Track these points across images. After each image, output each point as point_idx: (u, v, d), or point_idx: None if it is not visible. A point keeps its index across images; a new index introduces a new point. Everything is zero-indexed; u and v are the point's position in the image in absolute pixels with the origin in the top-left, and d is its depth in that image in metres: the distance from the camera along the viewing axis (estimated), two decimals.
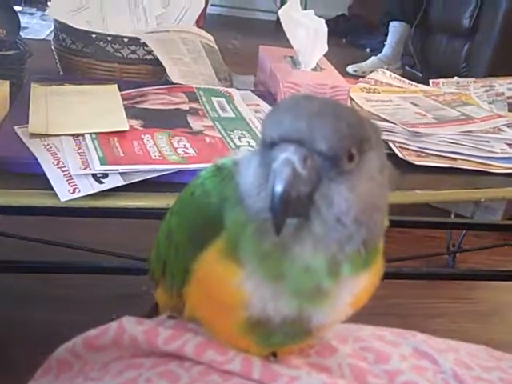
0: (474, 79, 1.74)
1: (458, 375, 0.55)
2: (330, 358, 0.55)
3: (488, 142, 1.21)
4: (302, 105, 0.46)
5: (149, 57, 1.29)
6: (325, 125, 0.44)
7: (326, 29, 1.29)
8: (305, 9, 1.35)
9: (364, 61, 3.69)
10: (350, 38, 4.50)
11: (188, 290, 0.53)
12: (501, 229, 2.17)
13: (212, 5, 4.28)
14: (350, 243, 0.46)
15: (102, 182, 0.87)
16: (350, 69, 3.54)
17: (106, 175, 0.88)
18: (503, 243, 2.09)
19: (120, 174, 0.89)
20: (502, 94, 1.64)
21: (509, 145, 1.21)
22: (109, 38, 1.27)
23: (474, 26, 3.33)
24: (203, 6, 1.41)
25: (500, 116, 1.34)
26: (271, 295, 0.48)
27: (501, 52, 3.24)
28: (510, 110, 1.50)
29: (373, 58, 3.75)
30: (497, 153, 1.18)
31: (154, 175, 0.91)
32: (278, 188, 0.43)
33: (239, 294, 0.48)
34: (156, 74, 1.31)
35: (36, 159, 0.89)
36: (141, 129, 1.03)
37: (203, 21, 1.47)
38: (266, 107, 1.20)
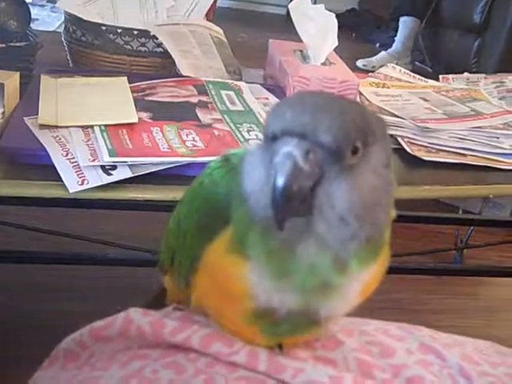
0: (484, 75, 1.73)
1: (465, 370, 0.54)
2: (336, 351, 0.55)
3: (497, 138, 1.21)
4: (306, 99, 0.45)
5: (158, 49, 1.29)
6: (328, 117, 0.43)
7: (336, 23, 1.29)
8: (315, 3, 1.35)
9: (373, 55, 3.67)
10: (360, 32, 4.48)
11: (195, 279, 0.54)
12: (509, 225, 2.16)
13: None
14: (354, 240, 0.45)
15: (110, 174, 0.87)
16: (360, 63, 3.53)
17: (114, 167, 0.89)
18: (511, 240, 2.09)
19: (129, 165, 0.89)
20: None
21: None
22: (119, 31, 1.28)
23: (484, 21, 3.31)
24: None
25: (510, 112, 1.34)
26: (276, 290, 0.48)
27: (511, 48, 3.22)
28: None
29: (382, 52, 3.73)
30: (506, 149, 1.18)
31: (162, 167, 0.91)
32: (280, 182, 0.42)
33: (245, 285, 0.48)
34: (165, 66, 1.31)
35: (45, 150, 0.89)
36: (150, 121, 1.03)
37: (213, 14, 1.47)
38: (274, 101, 1.20)
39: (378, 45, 4.21)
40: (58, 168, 0.87)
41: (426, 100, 1.37)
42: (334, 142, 0.43)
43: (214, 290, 0.52)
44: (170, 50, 1.23)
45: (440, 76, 1.70)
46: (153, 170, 0.90)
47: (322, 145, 0.43)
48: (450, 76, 1.70)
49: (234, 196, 0.48)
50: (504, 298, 1.71)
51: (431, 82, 1.58)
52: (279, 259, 0.46)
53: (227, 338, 0.53)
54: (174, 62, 1.23)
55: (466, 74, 1.74)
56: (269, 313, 0.49)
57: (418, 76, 1.59)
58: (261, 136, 1.03)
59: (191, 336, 0.53)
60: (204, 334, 0.53)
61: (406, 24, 3.70)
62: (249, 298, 0.49)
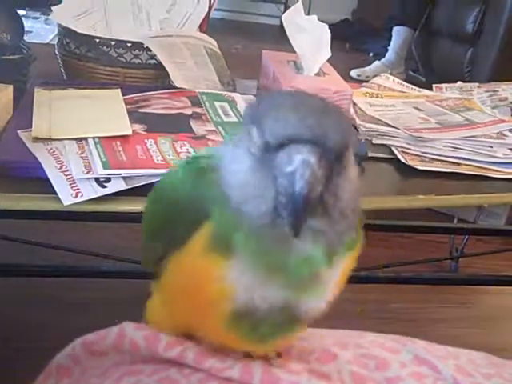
0: (477, 84, 1.73)
1: (459, 382, 0.54)
2: (330, 365, 0.55)
3: (491, 147, 1.21)
4: (299, 103, 0.45)
5: (152, 61, 1.30)
6: (332, 122, 0.44)
7: (329, 34, 1.30)
8: (308, 13, 1.35)
9: (367, 65, 3.68)
10: (354, 42, 4.50)
11: (163, 284, 0.53)
12: (504, 234, 2.16)
13: (215, 9, 4.29)
14: (348, 232, 0.47)
15: (104, 186, 0.87)
16: (354, 73, 3.54)
17: (108, 179, 0.89)
18: (506, 248, 2.09)
19: (123, 178, 0.89)
20: (506, 98, 1.63)
21: (511, 150, 1.21)
22: (112, 43, 1.28)
23: (477, 31, 3.33)
24: (206, 10, 1.42)
25: (503, 121, 1.34)
26: (260, 285, 0.47)
27: (504, 57, 3.24)
28: None
29: (376, 62, 3.74)
30: (500, 158, 1.18)
31: (156, 179, 0.90)
32: (301, 191, 0.42)
33: (224, 285, 0.47)
34: (159, 78, 1.31)
35: (39, 163, 0.89)
36: (144, 133, 1.03)
37: (206, 25, 1.47)
38: None
39: (371, 54, 4.22)
40: (51, 181, 0.86)
41: (419, 109, 1.38)
42: (339, 144, 0.44)
43: (185, 298, 0.51)
44: (163, 62, 1.23)
45: (433, 85, 1.70)
46: (147, 182, 0.90)
47: (331, 149, 0.43)
48: (444, 85, 1.70)
49: (209, 196, 0.47)
50: (500, 306, 1.71)
51: (424, 91, 1.58)
52: (270, 255, 0.45)
53: (221, 353, 0.52)
54: (168, 74, 1.23)
55: (459, 83, 1.75)
56: (248, 313, 0.48)
57: (411, 86, 1.60)
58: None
59: (185, 351, 0.52)
60: (198, 349, 0.52)
61: (399, 33, 3.72)
62: (227, 299, 0.47)
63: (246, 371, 0.51)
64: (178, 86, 1.22)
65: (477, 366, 0.58)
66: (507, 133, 1.29)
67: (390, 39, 3.79)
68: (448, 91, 1.66)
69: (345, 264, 0.49)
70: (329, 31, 1.29)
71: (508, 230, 2.14)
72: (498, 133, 1.27)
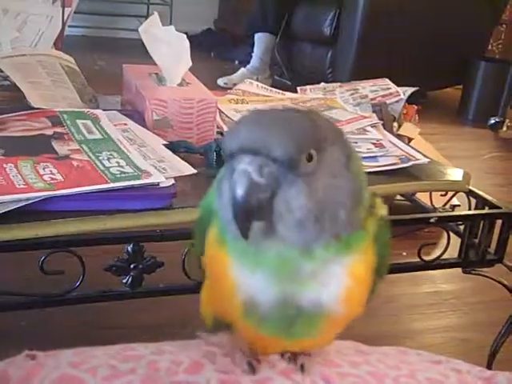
0: (339, 84, 1.80)
1: (326, 375, 0.56)
2: None
3: (355, 142, 1.26)
4: (256, 118, 0.49)
5: (6, 83, 1.24)
6: (277, 132, 0.47)
7: (187, 43, 1.29)
8: (170, 24, 1.34)
9: (233, 73, 3.72)
10: (218, 51, 4.53)
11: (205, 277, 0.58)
12: None
13: (73, 26, 4.18)
14: (317, 239, 0.49)
15: None
16: (221, 81, 3.57)
17: None
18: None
19: None
20: (366, 96, 1.70)
21: (374, 144, 1.26)
22: None
23: (334, 33, 3.46)
24: (60, 27, 1.37)
25: (364, 117, 1.40)
26: (254, 281, 0.50)
27: (362, 56, 3.39)
28: (374, 111, 1.56)
29: (242, 69, 3.79)
30: (364, 152, 1.23)
31: (19, 205, 0.87)
32: (237, 198, 0.46)
33: (231, 277, 0.51)
34: (15, 99, 1.25)
35: None
36: (2, 158, 0.98)
37: (61, 43, 1.43)
38: (134, 126, 1.18)
39: (237, 62, 4.28)
40: None
41: None
42: (285, 154, 0.46)
43: (213, 287, 0.56)
44: (17, 83, 1.18)
45: (298, 88, 1.74)
46: (9, 209, 0.86)
47: (275, 158, 0.46)
48: (308, 87, 1.75)
49: (214, 201, 0.53)
50: (377, 294, 1.77)
51: (288, 94, 1.62)
52: (251, 255, 0.49)
53: (78, 380, 0.50)
54: (24, 95, 1.18)
55: (322, 84, 1.80)
56: (254, 307, 0.51)
57: (275, 89, 1.63)
58: (122, 163, 1.01)
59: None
60: (53, 379, 0.50)
61: (260, 40, 3.79)
62: (235, 289, 0.51)
63: None
64: (35, 106, 1.17)
65: (343, 355, 0.59)
66: (369, 128, 1.34)
67: (253, 46, 3.85)
68: (312, 93, 1.71)
69: (353, 264, 0.51)
70: (187, 41, 1.29)
71: None
72: (359, 128, 1.32)
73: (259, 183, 0.46)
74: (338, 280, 0.51)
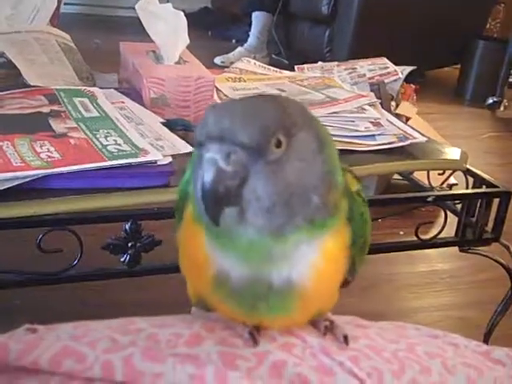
0: (336, 63, 1.79)
1: (325, 347, 0.56)
2: (198, 348, 0.54)
3: (353, 121, 1.25)
4: (225, 106, 0.49)
5: (1, 60, 1.23)
6: (243, 119, 0.47)
7: (185, 21, 1.28)
8: (167, 2, 1.33)
9: (231, 52, 3.71)
10: (216, 30, 4.50)
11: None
12: (374, 204, 2.25)
13: (69, 3, 4.14)
14: (288, 224, 0.49)
15: None
16: (218, 60, 3.55)
17: None
18: (376, 217, 2.17)
19: None
20: (364, 75, 1.70)
21: (372, 123, 1.26)
22: None
23: (332, 12, 3.44)
24: (55, 4, 1.36)
25: (362, 96, 1.39)
26: (226, 258, 0.51)
27: (359, 35, 3.37)
28: (372, 90, 1.55)
29: (239, 48, 3.78)
30: (362, 131, 1.22)
31: (16, 183, 0.87)
32: (205, 186, 0.46)
33: (204, 252, 0.52)
34: (11, 77, 1.24)
35: None
36: None
37: (57, 20, 1.41)
38: (131, 104, 1.18)
39: (234, 41, 4.25)
40: None
41: (282, 90, 1.40)
42: (251, 140, 0.46)
43: (187, 259, 0.57)
44: (13, 60, 1.17)
45: (295, 66, 1.74)
46: (6, 187, 0.86)
47: (242, 145, 0.46)
48: (305, 66, 1.74)
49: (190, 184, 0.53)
50: (375, 274, 1.77)
51: (286, 72, 1.61)
52: (223, 238, 0.50)
53: (79, 353, 0.50)
54: (20, 72, 1.17)
55: (319, 63, 1.79)
56: (225, 280, 0.52)
57: (272, 68, 1.62)
58: (119, 141, 1.01)
59: (40, 356, 0.50)
60: (52, 353, 0.50)
61: (258, 19, 3.77)
62: (208, 265, 0.52)
63: (107, 369, 0.50)
64: (31, 83, 1.16)
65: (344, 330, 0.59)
66: (367, 107, 1.34)
67: (250, 25, 3.83)
68: (309, 71, 1.70)
69: (324, 243, 0.51)
70: (185, 18, 1.28)
71: (377, 200, 2.24)
72: (357, 107, 1.32)
73: (226, 171, 0.46)
74: (307, 258, 0.51)
